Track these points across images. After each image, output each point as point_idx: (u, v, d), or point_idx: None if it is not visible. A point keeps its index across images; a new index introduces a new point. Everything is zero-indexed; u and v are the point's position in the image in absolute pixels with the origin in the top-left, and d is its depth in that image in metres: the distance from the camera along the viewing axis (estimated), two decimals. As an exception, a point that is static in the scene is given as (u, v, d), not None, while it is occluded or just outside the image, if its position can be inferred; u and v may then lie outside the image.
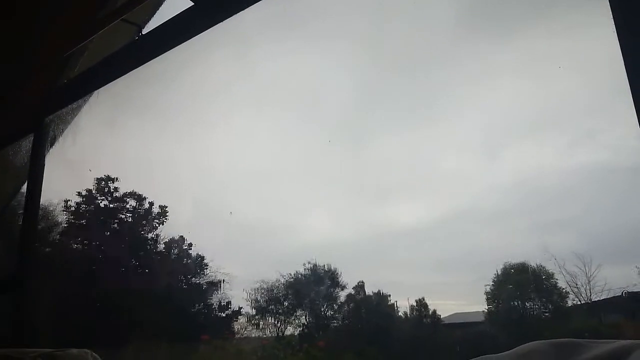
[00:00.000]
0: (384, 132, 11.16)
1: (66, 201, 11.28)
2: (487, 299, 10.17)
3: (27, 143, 3.11)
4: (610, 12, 1.31)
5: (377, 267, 11.76)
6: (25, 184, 2.90)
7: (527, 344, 0.50)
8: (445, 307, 11.16)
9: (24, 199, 2.88)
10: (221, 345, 7.51)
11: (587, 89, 8.08)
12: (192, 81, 10.03)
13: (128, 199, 11.90)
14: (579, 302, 9.08)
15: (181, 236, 11.78)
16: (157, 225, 11.91)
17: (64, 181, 9.71)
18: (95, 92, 2.83)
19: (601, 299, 8.70)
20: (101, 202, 11.72)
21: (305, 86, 11.20)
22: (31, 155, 2.88)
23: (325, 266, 11.62)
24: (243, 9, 1.99)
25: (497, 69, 9.26)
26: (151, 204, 11.99)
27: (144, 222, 11.89)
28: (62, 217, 11.30)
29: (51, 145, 3.10)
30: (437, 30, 9.46)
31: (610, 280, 8.48)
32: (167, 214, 11.96)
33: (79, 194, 11.50)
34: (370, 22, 9.42)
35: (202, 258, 11.64)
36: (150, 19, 2.67)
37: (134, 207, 11.93)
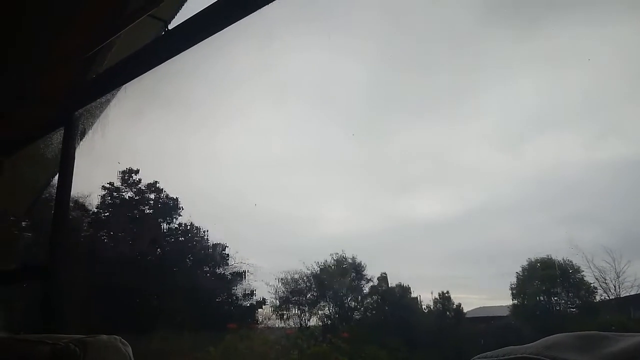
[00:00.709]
0: (405, 125, 11.10)
1: (102, 196, 11.51)
2: (512, 294, 10.05)
3: (57, 136, 3.20)
4: None
5: (399, 260, 11.76)
6: (57, 176, 2.98)
7: (552, 336, 0.51)
8: (468, 300, 11.11)
9: (55, 190, 2.97)
10: (246, 335, 7.61)
11: (613, 81, 7.87)
12: (215, 75, 10.13)
13: (151, 191, 12.09)
14: (607, 298, 8.91)
15: (199, 226, 11.92)
16: (179, 216, 12.08)
17: (93, 173, 9.94)
18: (123, 87, 2.89)
19: (631, 294, 8.52)
20: (126, 193, 11.94)
21: (325, 80, 11.21)
22: (62, 148, 2.95)
23: (351, 258, 11.65)
24: (268, 4, 2.00)
25: (519, 61, 9.09)
26: (172, 198, 12.16)
27: (167, 212, 12.06)
28: (91, 209, 11.57)
29: (81, 139, 3.18)
30: (458, 25, 9.34)
31: (640, 275, 8.29)
32: (179, 205, 12.10)
33: (110, 184, 11.75)
34: (390, 18, 9.36)
35: (225, 248, 11.77)
36: (176, 14, 2.70)
37: (156, 198, 12.11)
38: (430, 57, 10.07)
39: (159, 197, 12.14)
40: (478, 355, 0.54)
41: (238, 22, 2.13)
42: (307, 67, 10.68)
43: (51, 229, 2.88)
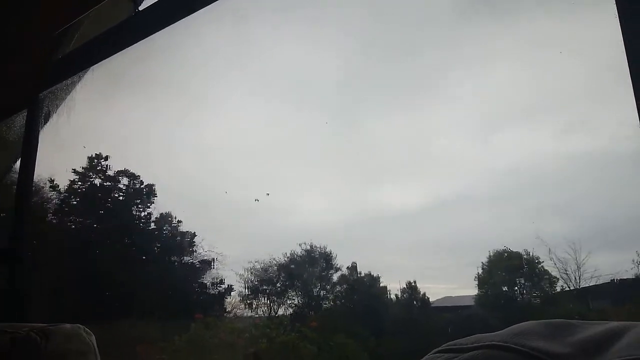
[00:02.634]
0: (378, 115, 11.14)
1: (51, 180, 11.25)
2: (478, 284, 10.29)
3: (20, 119, 3.10)
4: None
5: (370, 250, 11.85)
6: (19, 160, 2.90)
7: (520, 323, 0.52)
8: (436, 290, 11.30)
9: (17, 175, 2.88)
10: (214, 323, 7.59)
11: (585, 74, 8.06)
12: (188, 60, 9.96)
13: (120, 177, 11.88)
14: (568, 288, 9.20)
15: (169, 212, 11.81)
16: (149, 204, 11.92)
17: (57, 158, 9.66)
18: (90, 68, 2.81)
19: (590, 285, 8.82)
20: (93, 180, 11.70)
21: (299, 68, 11.13)
22: (25, 132, 2.86)
23: (320, 248, 11.71)
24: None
25: (492, 52, 9.21)
26: (141, 182, 11.99)
27: (137, 200, 11.89)
28: (55, 194, 11.29)
29: (45, 122, 3.08)
30: (432, 13, 9.39)
31: (601, 267, 8.58)
32: (155, 192, 11.97)
33: (74, 171, 11.48)
34: (365, 5, 9.35)
35: (194, 235, 11.68)
36: (146, -5, 2.64)
37: (127, 186, 11.92)
38: (405, 45, 10.12)
39: (133, 184, 11.94)
40: (446, 344, 0.54)
41: (212, 4, 2.09)
42: (282, 53, 10.60)
43: (14, 212, 2.79)
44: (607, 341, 0.43)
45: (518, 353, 0.44)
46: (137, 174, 11.98)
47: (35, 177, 2.92)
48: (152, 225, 11.81)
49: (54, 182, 11.19)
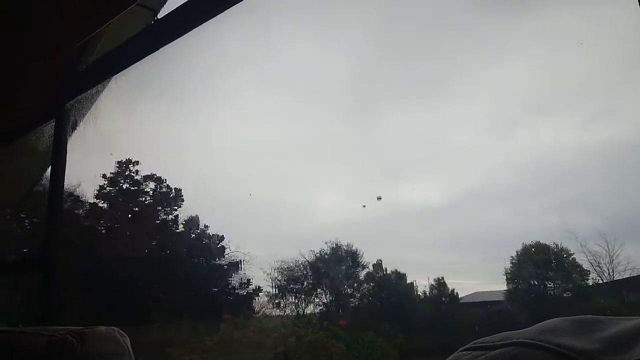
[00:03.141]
0: (397, 111, 11.09)
1: (101, 187, 11.49)
2: (507, 279, 10.14)
3: (49, 129, 3.18)
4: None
5: (394, 246, 11.81)
6: (49, 168, 2.97)
7: (547, 320, 0.52)
8: (463, 286, 11.19)
9: (48, 182, 2.96)
10: (243, 323, 7.66)
11: (609, 64, 7.87)
12: (207, 63, 10.07)
13: (148, 182, 12.07)
14: (600, 281, 9.00)
15: (197, 215, 11.94)
16: (176, 207, 12.08)
17: (86, 165, 9.90)
18: (113, 77, 2.87)
19: (624, 277, 8.61)
20: (123, 185, 11.92)
21: (317, 66, 11.15)
22: (54, 140, 2.94)
23: (346, 245, 11.70)
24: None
25: (512, 44, 9.08)
26: (168, 186, 12.15)
27: (164, 204, 12.07)
28: (87, 200, 11.54)
29: (73, 130, 3.16)
30: (449, 7, 9.28)
31: (635, 259, 8.37)
32: (182, 196, 12.11)
33: (104, 176, 11.72)
34: (379, 4, 9.30)
35: (222, 239, 11.80)
36: (165, 2, 2.68)
37: (154, 190, 12.10)
38: (422, 40, 10.05)
39: (160, 188, 12.12)
40: (473, 341, 0.54)
41: (227, 10, 2.12)
42: (298, 54, 10.63)
43: (46, 220, 2.87)
44: (636, 337, 0.43)
45: (545, 350, 0.44)
46: (163, 178, 12.16)
47: (67, 184, 3.00)
48: (181, 228, 11.98)
49: (105, 183, 11.43)
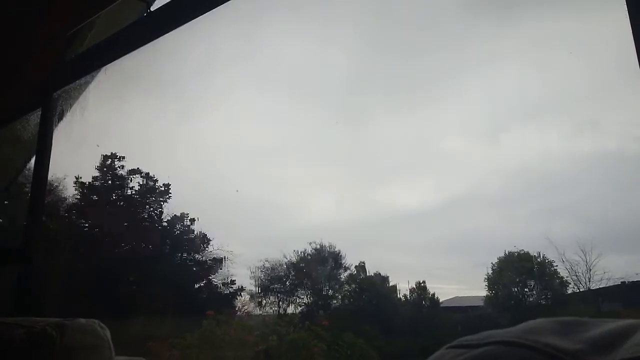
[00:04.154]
0: (386, 114, 11.13)
1: (77, 177, 11.36)
2: (488, 285, 10.24)
3: (35, 118, 3.14)
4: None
5: (378, 249, 11.85)
6: (33, 158, 2.93)
7: (531, 320, 0.52)
8: (445, 290, 11.27)
9: (31, 172, 2.92)
10: (225, 320, 7.61)
11: (594, 74, 7.99)
12: (198, 59, 10.00)
13: (133, 177, 11.95)
14: (578, 290, 9.13)
15: (183, 213, 11.86)
16: (162, 202, 11.98)
17: (71, 156, 9.77)
18: (103, 68, 2.84)
19: (600, 287, 8.74)
20: (107, 179, 11.79)
21: (307, 67, 11.15)
22: (39, 130, 2.90)
23: (330, 247, 11.71)
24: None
25: (501, 52, 9.16)
26: (155, 181, 12.04)
27: (150, 199, 11.96)
28: (69, 192, 11.40)
29: (59, 120, 3.12)
30: (441, 12, 9.35)
31: (611, 269, 8.50)
32: (170, 191, 12.01)
33: (97, 168, 11.60)
34: (372, 4, 9.32)
35: (206, 236, 11.73)
36: (158, -4, 2.66)
37: (140, 184, 11.98)
38: (414, 45, 10.10)
39: (146, 183, 12.00)
40: (458, 340, 0.54)
41: (221, 5, 2.11)
42: (290, 53, 10.61)
43: (27, 212, 2.83)
44: (620, 338, 0.43)
45: (530, 349, 0.45)
46: (150, 173, 12.04)
47: (50, 176, 2.96)
48: (165, 224, 11.88)
49: (79, 179, 11.30)
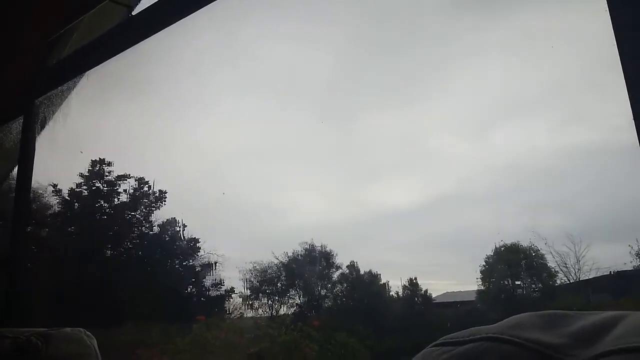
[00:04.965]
0: (373, 112, 11.14)
1: (54, 185, 11.23)
2: (481, 278, 10.30)
3: (16, 126, 3.10)
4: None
5: (369, 248, 11.87)
6: (17, 166, 2.90)
7: (515, 315, 0.53)
8: (437, 286, 11.31)
9: (14, 181, 2.89)
10: (216, 324, 7.59)
11: (579, 67, 8.08)
12: (182, 62, 9.95)
13: (121, 182, 11.85)
14: (567, 281, 9.22)
15: (174, 218, 11.80)
16: (154, 208, 11.89)
17: (55, 163, 9.65)
18: (85, 74, 2.82)
19: (589, 278, 8.83)
20: (95, 185, 11.68)
21: (292, 67, 11.13)
22: (21, 138, 2.87)
23: (321, 247, 11.71)
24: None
25: (486, 46, 9.22)
26: (150, 186, 11.96)
27: (141, 203, 11.87)
28: (54, 200, 11.27)
29: (42, 128, 3.09)
30: (425, 8, 9.39)
31: (600, 259, 8.60)
32: (165, 197, 11.94)
33: (81, 175, 11.48)
34: (355, 2, 9.34)
35: (196, 240, 11.67)
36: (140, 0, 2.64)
37: (133, 189, 11.89)
38: (398, 42, 10.12)
39: (139, 188, 11.91)
40: (443, 337, 0.55)
41: (204, 7, 2.10)
42: (274, 54, 10.59)
43: (12, 220, 2.80)
44: (602, 330, 0.43)
45: (514, 344, 0.45)
46: (144, 178, 11.95)
47: (34, 184, 2.92)
48: (156, 230, 11.80)
49: (57, 187, 11.17)
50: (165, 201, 11.89)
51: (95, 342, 1.19)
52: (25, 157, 2.80)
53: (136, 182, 11.89)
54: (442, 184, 11.26)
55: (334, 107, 11.48)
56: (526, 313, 0.52)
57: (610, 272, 8.29)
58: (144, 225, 11.82)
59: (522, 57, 8.93)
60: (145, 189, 11.95)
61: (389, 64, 10.43)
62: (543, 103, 9.09)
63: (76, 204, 11.52)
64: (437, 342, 0.54)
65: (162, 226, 11.80)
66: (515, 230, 9.93)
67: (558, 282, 9.42)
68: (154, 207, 11.85)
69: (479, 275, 10.30)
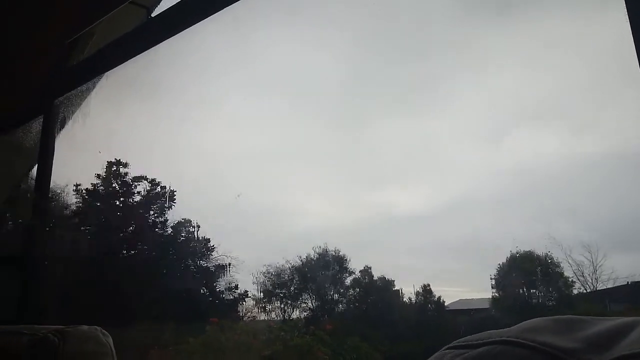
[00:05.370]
0: (386, 117, 11.12)
1: (76, 185, 11.40)
2: (495, 286, 10.20)
3: (36, 125, 3.14)
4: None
5: (382, 253, 11.82)
6: (36, 165, 2.94)
7: (530, 320, 0.52)
8: (450, 293, 11.21)
9: (34, 180, 2.92)
10: (228, 326, 7.63)
11: (591, 74, 7.98)
12: (198, 64, 10.04)
13: (138, 183, 11.99)
14: (584, 291, 9.09)
15: (187, 219, 11.89)
16: (166, 209, 12.01)
17: (74, 163, 9.79)
18: (104, 75, 2.85)
19: (607, 287, 8.70)
20: (111, 185, 11.83)
21: (305, 71, 11.17)
22: (41, 137, 2.90)
23: (334, 251, 11.70)
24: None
25: (497, 54, 9.15)
26: (162, 187, 12.08)
27: (155, 205, 11.99)
28: (72, 199, 11.42)
29: (61, 127, 3.13)
30: (436, 14, 9.36)
31: (617, 269, 8.47)
32: (174, 198, 12.05)
33: (98, 175, 11.64)
34: (367, 6, 9.34)
35: (209, 241, 11.74)
36: (159, 1, 2.67)
37: (146, 191, 12.01)
38: (410, 48, 10.10)
39: (152, 190, 12.03)
40: (457, 340, 0.54)
41: (220, 11, 2.12)
42: (287, 57, 10.65)
43: (30, 219, 2.84)
44: (617, 335, 0.43)
45: (528, 348, 0.45)
46: (155, 179, 12.08)
47: (52, 183, 2.96)
48: (169, 231, 11.90)
49: (78, 187, 11.34)
50: (175, 201, 12.00)
51: (111, 340, 1.20)
52: (45, 157, 2.84)
53: (149, 184, 12.02)
54: (454, 190, 11.18)
55: (345, 112, 11.50)
56: (540, 318, 0.52)
57: (628, 282, 8.16)
58: (157, 226, 11.93)
59: (534, 64, 8.86)
60: (158, 189, 12.07)
61: (400, 70, 10.42)
62: (557, 110, 9.00)
63: (93, 204, 11.66)
64: (451, 344, 0.54)
65: (176, 227, 11.89)
66: (529, 237, 9.82)
67: (575, 291, 9.29)
68: (166, 207, 11.96)
69: (492, 282, 10.20)
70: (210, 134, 11.96)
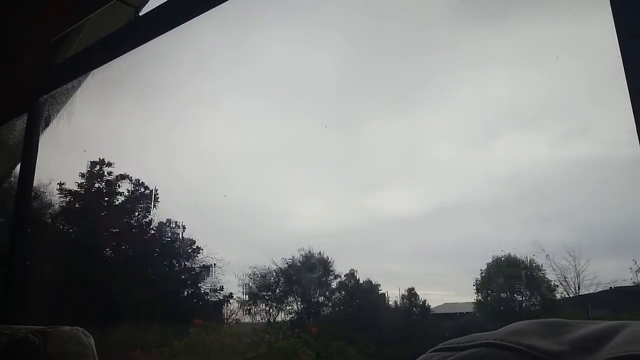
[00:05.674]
0: (376, 119, 11.14)
1: (60, 184, 11.27)
2: (477, 290, 10.27)
3: (21, 123, 3.10)
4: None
5: (368, 256, 11.82)
6: (19, 164, 2.90)
7: (515, 323, 0.53)
8: (435, 297, 11.25)
9: (17, 179, 2.89)
10: (213, 328, 7.57)
11: (583, 78, 8.06)
12: (187, 64, 9.97)
13: (122, 182, 11.88)
14: (567, 296, 9.18)
15: (172, 219, 11.81)
16: (150, 208, 11.91)
17: (58, 162, 9.66)
18: (91, 73, 2.82)
19: (589, 292, 8.79)
20: (94, 184, 11.71)
21: (296, 72, 11.14)
22: (25, 135, 2.87)
23: (319, 254, 11.69)
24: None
25: (490, 56, 9.20)
26: (145, 187, 11.99)
27: (139, 205, 11.89)
28: (55, 199, 11.29)
29: (46, 126, 3.09)
30: (429, 15, 9.40)
31: (600, 274, 8.56)
32: (158, 197, 11.96)
33: (82, 175, 11.52)
34: (360, 7, 9.35)
35: (193, 242, 11.66)
36: (147, 0, 2.65)
37: (129, 191, 11.92)
38: (404, 50, 10.13)
39: (136, 189, 11.93)
40: (443, 343, 0.55)
41: (210, 10, 2.11)
42: (279, 57, 10.62)
43: (13, 217, 2.80)
44: (602, 339, 0.43)
45: (514, 351, 0.45)
46: (140, 179, 11.99)
47: (35, 182, 2.92)
48: (153, 231, 11.80)
49: (63, 186, 11.21)
50: (158, 200, 11.92)
51: (92, 341, 1.18)
52: (29, 155, 2.81)
53: (132, 184, 11.92)
54: (442, 194, 11.22)
55: (336, 113, 11.49)
56: (526, 321, 0.52)
57: (611, 287, 8.26)
58: (141, 226, 11.83)
59: (526, 68, 8.92)
60: (142, 189, 11.98)
61: (393, 71, 10.44)
62: (546, 115, 9.07)
63: (76, 203, 11.54)
64: (437, 347, 0.54)
65: (160, 227, 11.80)
66: (514, 241, 9.89)
67: (558, 296, 9.38)
68: (150, 207, 11.87)
69: (476, 287, 10.27)
70: (200, 134, 11.88)
